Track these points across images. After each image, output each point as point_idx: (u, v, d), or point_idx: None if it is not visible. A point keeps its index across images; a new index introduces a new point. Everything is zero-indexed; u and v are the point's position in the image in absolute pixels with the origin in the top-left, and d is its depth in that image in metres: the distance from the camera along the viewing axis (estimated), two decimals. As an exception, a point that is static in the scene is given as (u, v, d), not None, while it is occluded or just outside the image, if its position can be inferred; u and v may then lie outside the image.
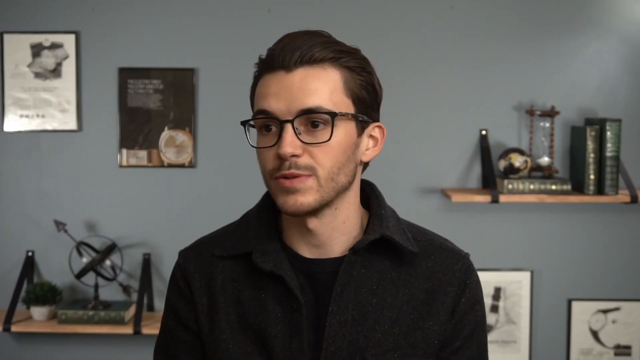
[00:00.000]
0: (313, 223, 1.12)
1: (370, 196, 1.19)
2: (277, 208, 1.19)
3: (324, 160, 1.07)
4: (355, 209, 1.16)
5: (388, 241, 1.13)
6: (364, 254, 1.13)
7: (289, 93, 1.06)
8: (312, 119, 1.06)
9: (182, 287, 1.20)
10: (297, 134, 1.06)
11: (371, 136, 1.14)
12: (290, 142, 1.05)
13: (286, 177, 1.07)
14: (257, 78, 1.12)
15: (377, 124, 1.15)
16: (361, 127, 1.12)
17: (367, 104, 1.12)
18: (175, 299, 1.21)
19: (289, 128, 1.06)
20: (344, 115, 1.08)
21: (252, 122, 1.12)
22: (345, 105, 1.09)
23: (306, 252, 1.15)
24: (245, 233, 1.18)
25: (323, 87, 1.07)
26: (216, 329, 1.15)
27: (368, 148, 1.14)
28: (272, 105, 1.07)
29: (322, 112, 1.06)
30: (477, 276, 1.19)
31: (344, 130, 1.08)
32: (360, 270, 1.13)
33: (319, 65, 1.08)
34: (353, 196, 1.15)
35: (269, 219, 1.18)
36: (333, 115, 1.07)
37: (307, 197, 1.07)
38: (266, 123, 1.09)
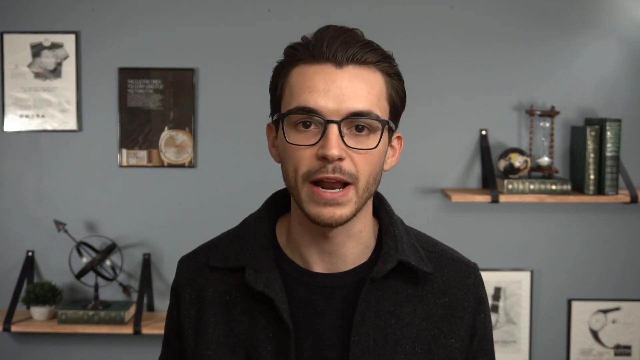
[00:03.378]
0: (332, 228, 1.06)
1: (379, 209, 1.15)
2: (277, 216, 1.16)
3: (364, 168, 1.02)
4: (370, 217, 1.13)
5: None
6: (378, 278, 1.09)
7: (339, 91, 1.00)
8: (359, 122, 1.01)
9: (173, 298, 1.18)
10: (342, 136, 1.00)
11: (391, 146, 1.11)
12: (337, 144, 0.99)
13: (322, 182, 1.01)
14: (290, 66, 1.05)
15: (397, 134, 1.12)
16: (391, 135, 1.09)
17: (397, 113, 1.09)
18: (169, 309, 1.20)
19: (334, 129, 0.99)
20: (391, 123, 1.05)
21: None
22: (386, 111, 1.05)
23: (316, 262, 1.10)
24: (241, 244, 1.13)
25: (372, 90, 1.02)
26: (201, 344, 1.11)
27: (389, 157, 1.11)
28: (320, 103, 1.00)
29: (373, 118, 1.02)
30: (484, 286, 1.18)
31: (383, 138, 1.04)
32: (377, 294, 1.08)
33: (367, 67, 1.03)
34: (370, 204, 1.11)
35: (268, 229, 1.13)
36: (384, 123, 1.03)
37: (344, 210, 1.02)
38: (307, 119, 1.02)
